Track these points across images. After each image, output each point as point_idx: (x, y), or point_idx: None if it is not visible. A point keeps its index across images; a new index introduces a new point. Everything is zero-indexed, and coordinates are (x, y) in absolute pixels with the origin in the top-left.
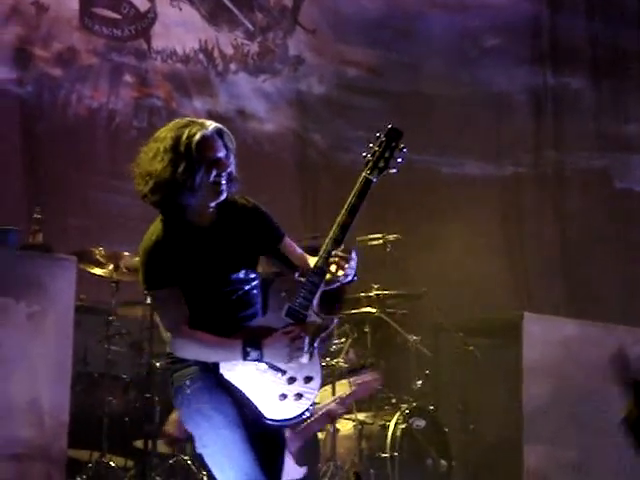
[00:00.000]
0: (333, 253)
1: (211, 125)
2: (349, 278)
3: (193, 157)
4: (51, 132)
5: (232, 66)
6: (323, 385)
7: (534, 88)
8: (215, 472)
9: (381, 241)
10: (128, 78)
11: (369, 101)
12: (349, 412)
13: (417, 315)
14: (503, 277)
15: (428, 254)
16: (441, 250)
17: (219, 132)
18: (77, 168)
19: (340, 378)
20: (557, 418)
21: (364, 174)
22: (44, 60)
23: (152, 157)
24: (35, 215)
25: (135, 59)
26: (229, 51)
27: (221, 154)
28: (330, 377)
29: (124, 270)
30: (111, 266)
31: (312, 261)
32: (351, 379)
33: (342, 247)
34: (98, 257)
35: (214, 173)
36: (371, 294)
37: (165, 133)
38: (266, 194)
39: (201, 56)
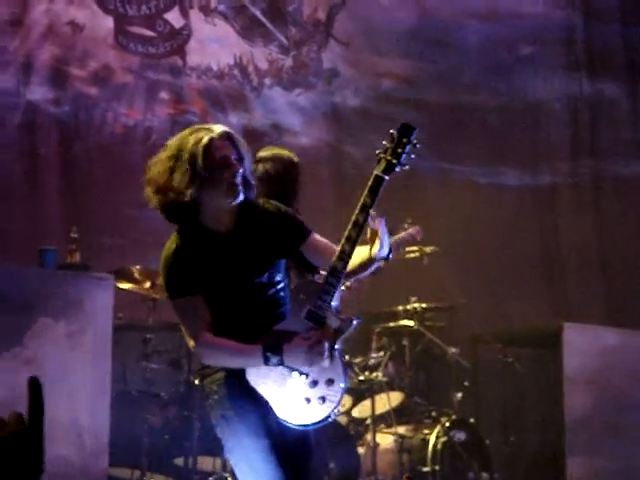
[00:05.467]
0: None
1: (219, 129)
2: (384, 252)
3: (199, 162)
4: (87, 151)
5: (267, 81)
6: (361, 399)
7: (570, 96)
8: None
9: (418, 254)
10: (164, 95)
11: (405, 112)
12: (389, 426)
13: (455, 327)
14: (542, 287)
15: (466, 265)
16: (479, 261)
17: (228, 136)
18: (113, 186)
19: (379, 392)
20: (599, 428)
21: (375, 171)
22: (80, 79)
23: (158, 165)
24: (72, 234)
25: (170, 76)
26: (264, 66)
27: (231, 155)
28: (369, 391)
29: (160, 287)
30: (148, 284)
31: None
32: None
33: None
34: (135, 275)
35: (227, 173)
36: (409, 307)
37: (173, 141)
38: (302, 207)
39: (236, 71)
